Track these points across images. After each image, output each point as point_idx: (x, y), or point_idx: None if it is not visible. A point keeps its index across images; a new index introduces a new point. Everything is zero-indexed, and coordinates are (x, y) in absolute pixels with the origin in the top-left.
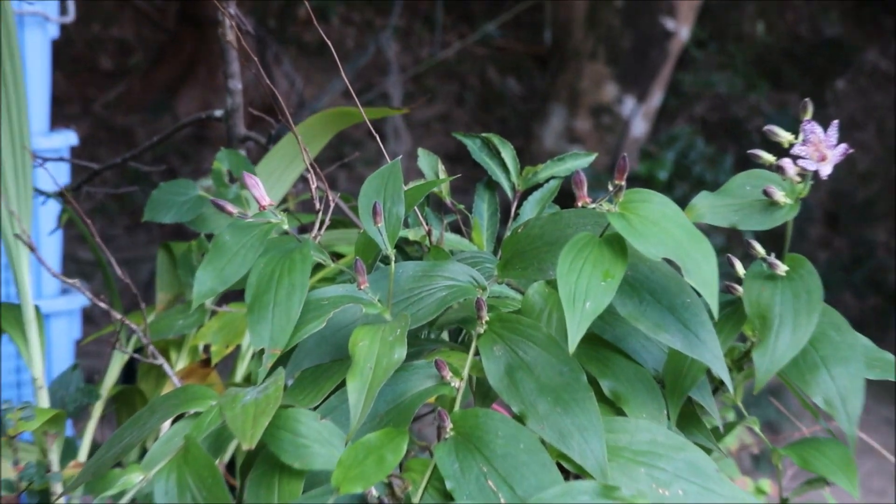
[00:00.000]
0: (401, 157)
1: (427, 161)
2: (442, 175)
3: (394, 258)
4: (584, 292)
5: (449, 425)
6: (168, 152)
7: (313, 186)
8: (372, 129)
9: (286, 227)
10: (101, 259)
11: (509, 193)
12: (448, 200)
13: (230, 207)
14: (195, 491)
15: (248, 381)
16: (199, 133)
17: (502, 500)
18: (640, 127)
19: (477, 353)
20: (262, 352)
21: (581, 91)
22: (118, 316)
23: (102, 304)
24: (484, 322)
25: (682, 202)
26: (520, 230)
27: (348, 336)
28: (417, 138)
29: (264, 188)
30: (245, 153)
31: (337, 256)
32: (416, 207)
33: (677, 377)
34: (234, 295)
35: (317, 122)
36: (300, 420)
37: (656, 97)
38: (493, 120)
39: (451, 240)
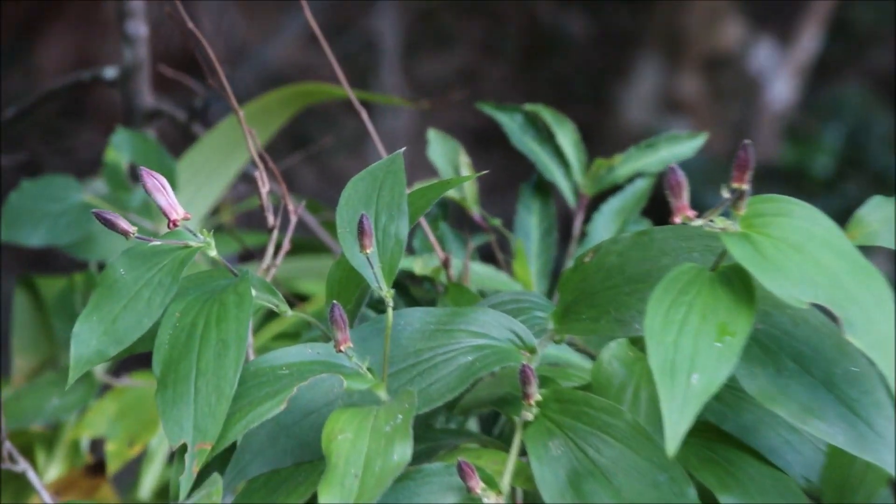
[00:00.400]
0: (404, 149)
1: (442, 149)
2: (465, 171)
3: (391, 303)
4: (688, 359)
5: None
6: (28, 132)
7: (263, 190)
8: (356, 102)
9: (213, 253)
10: None
11: (570, 200)
12: (476, 212)
13: (124, 224)
14: None
15: (163, 496)
16: (77, 103)
17: None
18: (782, 89)
19: (524, 453)
20: (182, 450)
21: (687, 32)
22: None
23: None
24: (533, 404)
25: (848, 212)
26: (588, 259)
27: (321, 425)
28: (424, 112)
29: (182, 194)
30: (154, 136)
31: (300, 299)
32: (424, 221)
33: (842, 490)
34: (141, 359)
35: (278, 98)
36: None
37: (810, 40)
38: (543, 80)
39: (481, 274)
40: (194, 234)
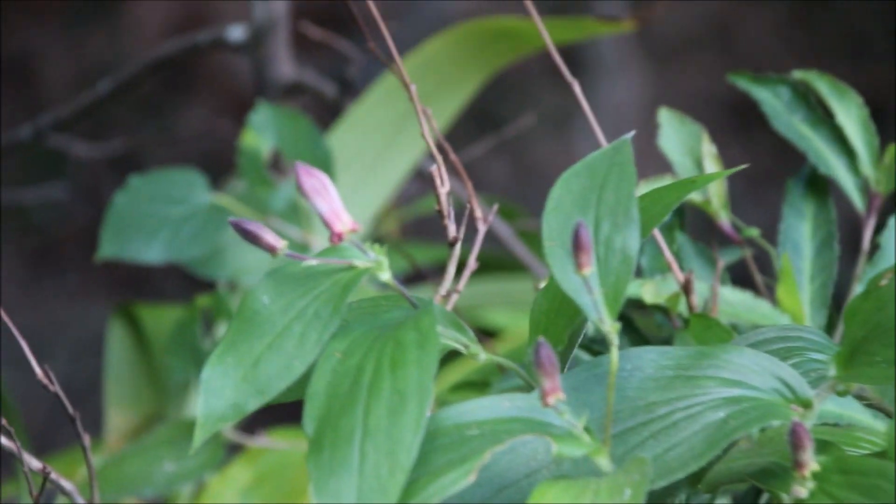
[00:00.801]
0: (632, 133)
1: (677, 134)
2: (710, 165)
3: (616, 341)
4: None
5: None
6: (119, 111)
7: (442, 190)
8: (558, 60)
9: (386, 276)
10: None
11: (856, 200)
12: (725, 219)
13: (270, 237)
14: None
15: None
16: (182, 74)
17: None
18: None
19: None
20: None
21: None
22: (33, 464)
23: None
24: (809, 476)
25: None
26: (884, 282)
27: (520, 501)
28: (656, 80)
29: (339, 195)
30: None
31: (487, 335)
32: (657, 232)
33: None
34: (281, 412)
35: (447, 48)
36: None
37: None
38: (824, 31)
39: (734, 302)
40: (363, 251)
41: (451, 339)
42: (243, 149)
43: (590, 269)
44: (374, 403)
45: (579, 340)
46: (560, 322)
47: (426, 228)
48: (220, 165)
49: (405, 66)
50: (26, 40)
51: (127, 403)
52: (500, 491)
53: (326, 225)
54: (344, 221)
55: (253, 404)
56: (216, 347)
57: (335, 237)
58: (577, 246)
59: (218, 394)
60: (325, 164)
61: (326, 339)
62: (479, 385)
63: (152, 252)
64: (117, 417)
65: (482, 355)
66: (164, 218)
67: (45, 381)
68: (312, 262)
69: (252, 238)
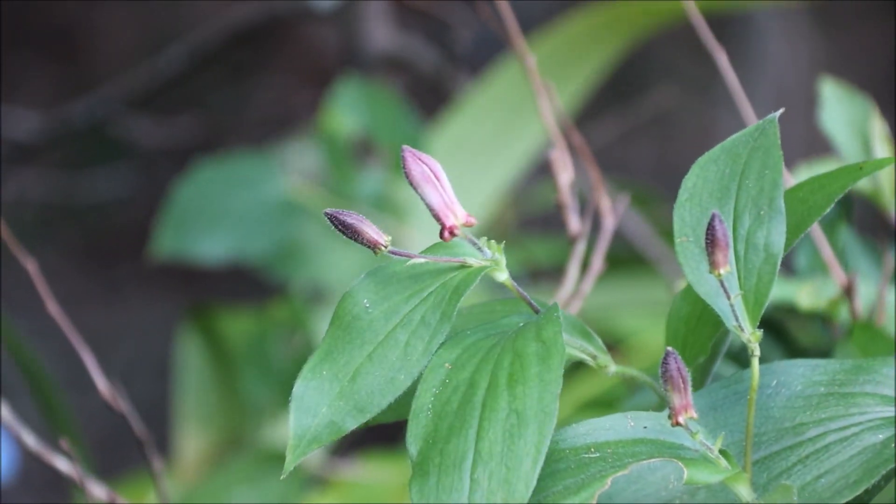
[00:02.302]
0: (780, 111)
1: (843, 111)
2: (881, 149)
3: (758, 352)
4: None
5: None
6: (183, 87)
7: (563, 177)
8: (703, 27)
9: (504, 276)
10: (28, 361)
11: None
12: None
13: (373, 232)
14: None
15: None
16: (259, 46)
17: None
18: None
19: None
20: None
21: None
22: (97, 492)
23: (61, 465)
24: None
25: None
26: None
27: None
28: (825, 45)
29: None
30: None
31: (615, 344)
32: (817, 227)
33: None
34: (371, 434)
35: (572, 30)
36: None
37: None
38: None
39: None
40: (479, 248)
41: (576, 348)
42: (325, 129)
43: (727, 269)
44: (489, 424)
45: (723, 351)
46: (703, 330)
47: (545, 222)
48: None
49: (531, 47)
50: (75, 11)
51: (201, 424)
52: None
53: (437, 218)
54: (457, 214)
55: (351, 423)
56: (311, 359)
57: (447, 232)
58: (711, 242)
59: (312, 411)
60: (419, 148)
61: (434, 348)
62: (606, 404)
63: (215, 246)
64: (192, 438)
65: (612, 367)
66: (230, 208)
67: (110, 400)
68: (420, 259)
69: (352, 233)
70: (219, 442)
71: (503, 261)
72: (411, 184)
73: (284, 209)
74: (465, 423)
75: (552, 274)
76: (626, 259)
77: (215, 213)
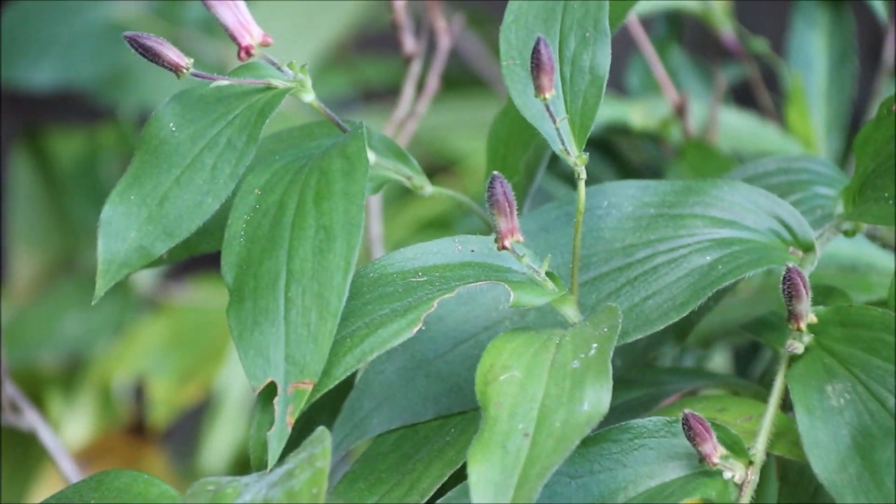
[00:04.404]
0: None
1: None
2: None
3: (584, 175)
4: None
5: None
6: None
7: None
8: None
9: (310, 97)
10: None
11: (877, 9)
12: (727, 30)
13: (173, 54)
14: None
15: (241, 465)
16: None
17: None
18: None
19: (788, 406)
20: (270, 392)
21: None
22: None
23: None
24: (805, 329)
25: None
26: None
27: (476, 358)
28: None
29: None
30: None
31: (456, 165)
32: (648, 46)
33: None
34: (202, 262)
35: None
36: None
37: None
38: None
39: (737, 127)
40: (279, 68)
41: (391, 170)
42: None
43: (552, 93)
44: (299, 242)
45: (541, 171)
46: (519, 151)
47: (384, 44)
48: None
49: None
50: None
51: (34, 245)
52: (455, 346)
53: (232, 38)
54: (253, 34)
55: (161, 247)
56: (119, 182)
57: (243, 52)
58: (536, 66)
59: (121, 236)
60: None
61: (241, 171)
62: (442, 226)
63: (44, 71)
64: (24, 261)
65: (428, 188)
66: (58, 33)
67: None
68: (224, 82)
69: (152, 55)
70: (51, 265)
71: (308, 81)
72: (205, 3)
73: (112, 34)
74: (276, 245)
75: (386, 96)
76: (461, 80)
77: (43, 39)
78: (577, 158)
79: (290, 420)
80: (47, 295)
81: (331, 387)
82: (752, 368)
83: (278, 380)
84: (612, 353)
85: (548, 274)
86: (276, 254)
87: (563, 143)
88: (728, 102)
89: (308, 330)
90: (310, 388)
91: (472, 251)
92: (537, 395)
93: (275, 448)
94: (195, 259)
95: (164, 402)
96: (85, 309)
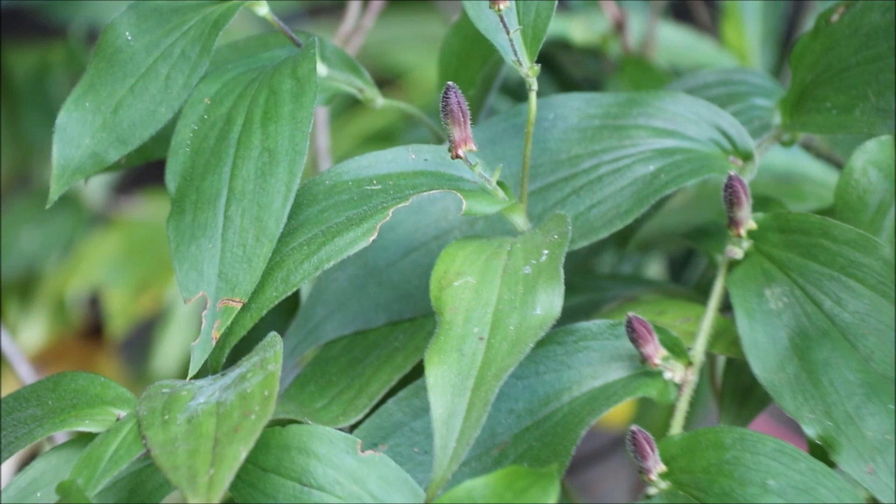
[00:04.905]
0: None
1: None
2: None
3: (535, 86)
4: None
5: (659, 467)
6: None
7: None
8: None
9: (264, 10)
10: None
11: None
12: None
13: None
14: None
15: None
16: None
17: None
18: None
19: (728, 306)
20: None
21: None
22: None
23: None
24: (744, 235)
25: None
26: (836, 17)
27: (429, 266)
28: None
29: None
30: None
31: (399, 78)
32: None
33: None
34: (153, 172)
35: None
36: (317, 452)
37: None
38: None
39: (674, 42)
40: None
41: (343, 82)
42: None
43: (506, 4)
44: (242, 162)
45: (497, 85)
46: (473, 65)
47: None
48: None
49: None
50: None
51: None
52: (406, 254)
53: None
54: None
55: (114, 154)
56: (73, 90)
57: None
58: None
59: (75, 143)
60: None
61: (195, 82)
62: (387, 138)
63: None
64: None
65: (379, 100)
66: None
67: None
68: None
69: None
70: (4, 181)
71: None
72: None
73: None
74: (221, 161)
75: (334, 10)
76: None
77: None
78: (528, 69)
79: (216, 334)
80: (2, 211)
81: (278, 299)
82: (686, 275)
83: (209, 295)
84: (563, 260)
85: (499, 183)
86: (220, 170)
87: (515, 55)
88: (666, 17)
89: (243, 251)
90: (239, 306)
91: (426, 160)
92: (491, 299)
93: (197, 358)
94: (144, 173)
95: (121, 312)
96: (39, 224)
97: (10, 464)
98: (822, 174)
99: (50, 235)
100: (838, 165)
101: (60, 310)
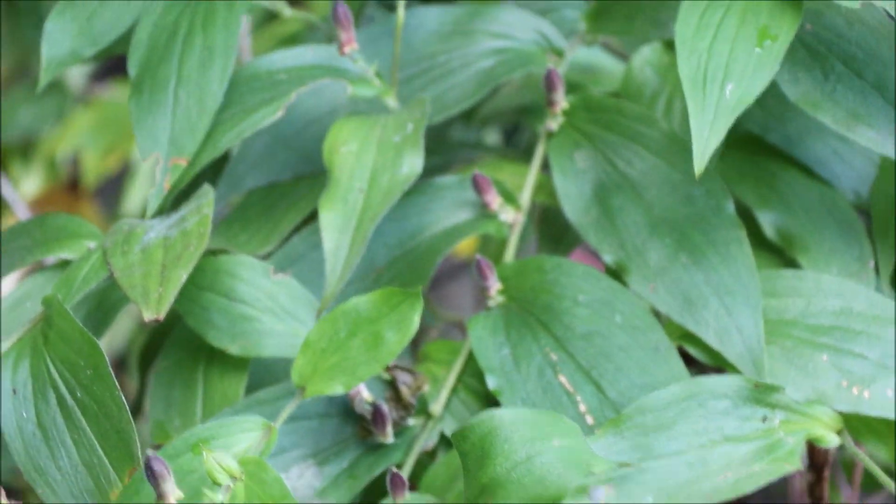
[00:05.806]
0: None
1: None
2: None
3: None
4: (723, 67)
5: (496, 285)
6: None
7: None
8: None
9: None
10: None
11: None
12: None
13: None
14: (63, 385)
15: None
16: None
17: (582, 408)
18: None
19: (547, 166)
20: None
21: None
22: None
23: None
24: (559, 112)
25: None
26: None
27: (323, 136)
28: None
29: None
30: None
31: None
32: None
33: (894, 205)
34: (119, 66)
35: None
36: (240, 275)
37: None
38: None
39: None
40: None
41: None
42: None
43: None
44: (188, 56)
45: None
46: None
47: None
48: None
49: None
50: None
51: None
52: (306, 127)
53: None
54: None
55: (88, 51)
56: (56, 5)
57: None
58: None
59: (58, 44)
60: None
61: None
62: (293, 41)
63: None
64: None
65: (287, 11)
66: None
67: None
68: None
69: None
70: (8, 72)
71: None
72: None
73: None
74: (171, 55)
75: None
76: None
77: None
78: None
79: (167, 185)
80: (7, 94)
81: (217, 156)
82: (516, 142)
83: (162, 155)
84: (423, 131)
85: (376, 74)
86: (170, 61)
87: None
88: None
89: (188, 122)
90: (185, 164)
91: (320, 56)
92: (369, 162)
93: (153, 204)
94: (113, 66)
95: (93, 169)
96: (34, 104)
97: (10, 280)
98: (616, 67)
99: (43, 112)
100: (625, 58)
101: (52, 167)
